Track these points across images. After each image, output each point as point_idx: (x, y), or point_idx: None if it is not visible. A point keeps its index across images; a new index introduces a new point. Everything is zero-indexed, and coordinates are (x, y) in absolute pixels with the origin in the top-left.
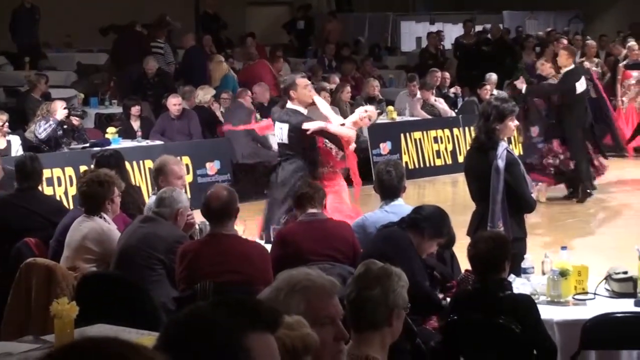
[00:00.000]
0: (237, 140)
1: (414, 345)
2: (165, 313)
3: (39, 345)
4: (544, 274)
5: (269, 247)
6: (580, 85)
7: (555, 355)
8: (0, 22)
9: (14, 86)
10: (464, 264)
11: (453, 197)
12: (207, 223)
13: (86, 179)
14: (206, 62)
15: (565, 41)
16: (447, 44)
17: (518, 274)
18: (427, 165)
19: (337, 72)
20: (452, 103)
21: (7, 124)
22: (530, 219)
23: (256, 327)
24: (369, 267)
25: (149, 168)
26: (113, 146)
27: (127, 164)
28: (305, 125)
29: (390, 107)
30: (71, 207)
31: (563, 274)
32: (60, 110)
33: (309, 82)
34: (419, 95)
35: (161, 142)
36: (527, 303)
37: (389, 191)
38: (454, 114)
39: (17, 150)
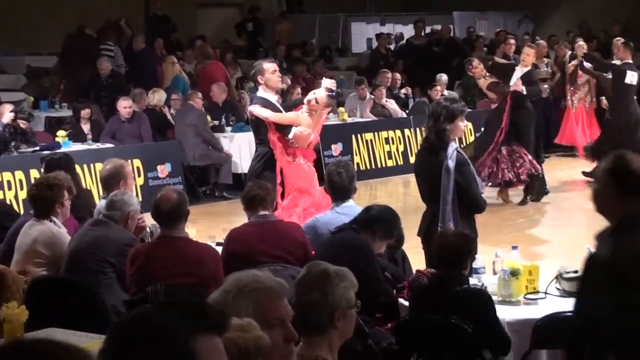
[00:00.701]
0: (188, 142)
1: (366, 346)
2: (116, 316)
3: None
4: (495, 273)
5: None
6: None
7: (508, 348)
8: None
9: None
10: (415, 265)
11: (404, 197)
12: (158, 226)
13: (36, 182)
14: (157, 65)
15: (512, 41)
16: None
17: (469, 274)
18: (379, 166)
19: (288, 73)
20: (402, 104)
21: None
22: (480, 218)
23: (203, 329)
24: (308, 270)
25: (100, 171)
26: (63, 149)
27: (78, 167)
28: (251, 108)
29: (341, 109)
30: (22, 211)
31: (514, 273)
32: (6, 114)
33: (277, 67)
34: (368, 97)
35: (112, 145)
36: (483, 297)
37: (340, 192)
38: (404, 115)
39: None
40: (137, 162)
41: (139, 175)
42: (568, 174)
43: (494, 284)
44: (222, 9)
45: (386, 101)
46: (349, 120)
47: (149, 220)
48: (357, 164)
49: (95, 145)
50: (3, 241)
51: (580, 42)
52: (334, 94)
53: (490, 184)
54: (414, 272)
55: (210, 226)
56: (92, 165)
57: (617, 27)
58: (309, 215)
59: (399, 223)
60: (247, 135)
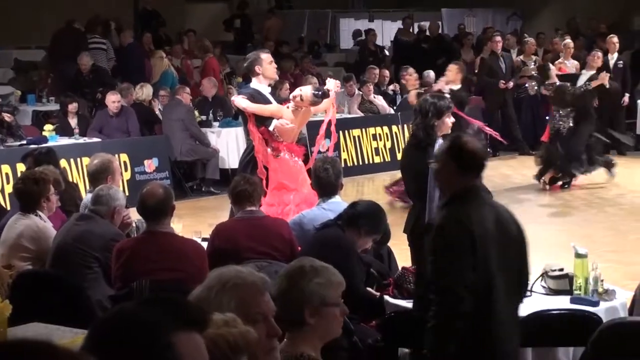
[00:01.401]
0: (175, 137)
1: (351, 343)
2: (102, 311)
3: None
4: None
5: None
6: None
7: None
8: None
9: None
10: (401, 261)
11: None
12: (144, 221)
13: (22, 176)
14: (144, 59)
15: (499, 38)
16: (387, 41)
17: None
18: (366, 162)
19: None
20: (390, 100)
21: None
22: None
23: (183, 325)
24: (289, 265)
25: (87, 165)
26: (50, 143)
27: (65, 161)
28: (232, 98)
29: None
30: (8, 205)
31: None
32: None
33: (272, 57)
34: (356, 93)
35: (99, 140)
36: None
37: (327, 188)
38: (392, 111)
39: None
40: (124, 157)
41: (126, 170)
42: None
43: None
44: (211, 4)
45: (374, 97)
46: (337, 116)
47: (135, 215)
48: (345, 160)
49: (82, 140)
50: None
51: (568, 40)
52: (319, 92)
53: None
54: (399, 269)
55: (197, 221)
56: (79, 159)
57: (604, 25)
58: (300, 211)
59: (384, 218)
60: (235, 131)
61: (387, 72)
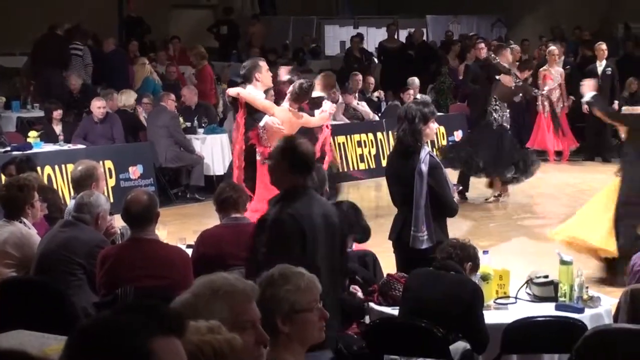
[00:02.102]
0: (160, 144)
1: (336, 351)
2: (86, 318)
3: None
4: None
5: None
6: None
7: (484, 348)
8: None
9: None
10: (386, 268)
11: (376, 201)
12: (129, 228)
13: (6, 183)
14: (128, 66)
15: (483, 45)
16: (371, 47)
17: None
18: (351, 169)
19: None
20: (375, 107)
21: None
22: (451, 223)
23: (161, 331)
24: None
25: (71, 172)
26: (35, 150)
27: (49, 168)
28: (227, 90)
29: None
30: None
31: (484, 278)
32: None
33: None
34: (341, 100)
35: (83, 146)
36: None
37: None
38: (377, 118)
39: None
40: (108, 164)
41: (111, 177)
42: (538, 178)
43: None
44: (195, 10)
45: (357, 104)
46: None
47: (119, 222)
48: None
49: (66, 146)
50: None
51: (552, 47)
52: (307, 83)
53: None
54: (384, 275)
55: (182, 228)
56: (63, 166)
57: (588, 33)
58: None
59: (361, 217)
60: (220, 137)
61: (371, 79)
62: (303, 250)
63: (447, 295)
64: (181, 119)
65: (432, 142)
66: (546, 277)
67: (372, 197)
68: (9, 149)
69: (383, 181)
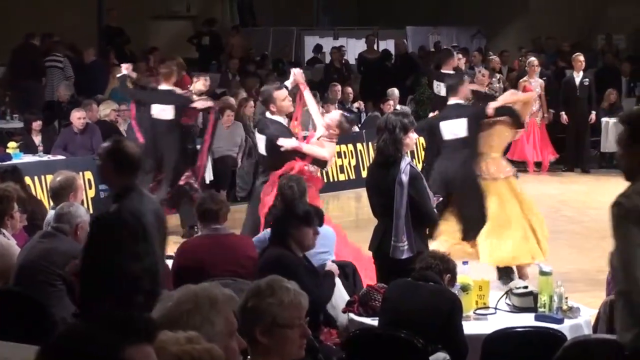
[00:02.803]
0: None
1: None
2: None
3: None
4: None
5: None
6: None
7: (464, 358)
8: None
9: None
10: (366, 279)
11: (356, 212)
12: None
13: None
14: (109, 76)
15: (460, 56)
16: (351, 59)
17: None
18: (331, 180)
19: (241, 87)
20: (356, 118)
21: None
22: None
23: (133, 339)
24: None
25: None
26: (14, 161)
27: (29, 179)
28: (279, 142)
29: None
30: None
31: (464, 288)
32: None
33: (286, 92)
34: (321, 111)
35: (63, 157)
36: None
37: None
38: (357, 129)
39: None
40: (88, 175)
41: (90, 188)
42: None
43: None
44: (175, 21)
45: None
46: (302, 134)
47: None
48: None
49: (46, 157)
50: None
51: (532, 59)
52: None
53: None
54: (364, 286)
55: None
56: (42, 177)
57: (567, 44)
58: None
59: (296, 207)
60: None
61: (350, 90)
62: (146, 241)
63: (426, 306)
64: None
65: (412, 153)
66: (526, 287)
67: (352, 208)
68: None
69: (363, 192)
